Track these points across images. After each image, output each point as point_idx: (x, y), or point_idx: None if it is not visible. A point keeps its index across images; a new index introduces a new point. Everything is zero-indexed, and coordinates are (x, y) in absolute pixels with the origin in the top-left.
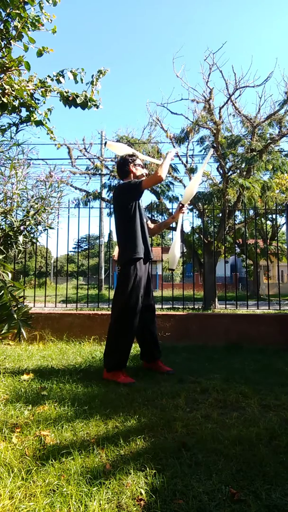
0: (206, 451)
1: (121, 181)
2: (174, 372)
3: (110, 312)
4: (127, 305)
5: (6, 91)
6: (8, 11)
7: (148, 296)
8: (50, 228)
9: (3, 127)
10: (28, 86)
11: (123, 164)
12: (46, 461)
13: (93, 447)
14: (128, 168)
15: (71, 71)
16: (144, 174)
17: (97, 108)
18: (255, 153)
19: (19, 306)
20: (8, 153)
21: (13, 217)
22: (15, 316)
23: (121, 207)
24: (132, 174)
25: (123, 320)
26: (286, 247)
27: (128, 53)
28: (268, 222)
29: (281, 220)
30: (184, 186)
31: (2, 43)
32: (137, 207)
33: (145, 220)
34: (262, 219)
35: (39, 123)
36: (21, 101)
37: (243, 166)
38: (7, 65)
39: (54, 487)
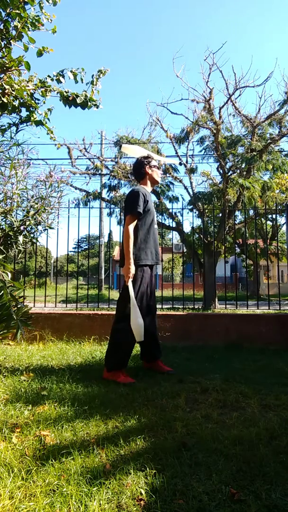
0: (206, 451)
1: (138, 184)
2: (174, 372)
3: (110, 312)
4: (125, 306)
5: (6, 91)
6: (8, 11)
7: (150, 297)
8: (50, 228)
9: (3, 127)
10: (28, 86)
11: (139, 167)
12: (46, 461)
13: (93, 447)
14: (144, 170)
15: (71, 71)
16: (160, 174)
17: (97, 108)
18: (255, 153)
19: (18, 306)
20: (8, 153)
21: (13, 217)
22: (14, 316)
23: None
24: (148, 176)
25: (126, 322)
26: (286, 247)
27: (128, 53)
28: (268, 222)
29: (281, 220)
30: (185, 187)
31: (2, 43)
32: (146, 212)
33: (155, 226)
34: (262, 219)
35: (39, 123)
36: (21, 101)
37: (243, 166)
38: (7, 65)
39: (54, 487)
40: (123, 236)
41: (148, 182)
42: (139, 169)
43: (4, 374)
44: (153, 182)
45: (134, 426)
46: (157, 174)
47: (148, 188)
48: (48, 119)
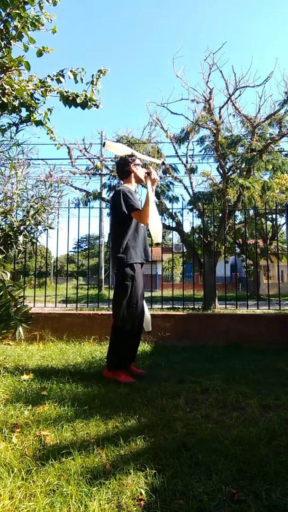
0: (206, 451)
1: (121, 182)
2: (146, 374)
3: (110, 312)
4: (129, 307)
5: (6, 91)
6: (8, 11)
7: (143, 298)
8: (50, 228)
9: (3, 127)
10: (28, 86)
11: (124, 165)
12: (46, 461)
13: (93, 447)
14: (129, 168)
15: (71, 71)
16: (145, 174)
17: (97, 107)
18: (255, 153)
19: (18, 306)
20: (8, 153)
21: (13, 217)
22: (14, 316)
23: (117, 208)
24: (132, 174)
25: (126, 322)
26: (286, 247)
27: (128, 53)
28: (268, 222)
29: (281, 220)
30: (185, 187)
31: (2, 43)
32: None
33: (142, 224)
34: (262, 219)
35: (39, 123)
36: (21, 101)
37: (243, 166)
38: (7, 65)
39: (54, 487)
40: (147, 214)
41: (133, 180)
42: (124, 167)
43: (4, 374)
44: (138, 181)
45: (134, 426)
46: (141, 173)
47: (132, 186)
48: (48, 119)
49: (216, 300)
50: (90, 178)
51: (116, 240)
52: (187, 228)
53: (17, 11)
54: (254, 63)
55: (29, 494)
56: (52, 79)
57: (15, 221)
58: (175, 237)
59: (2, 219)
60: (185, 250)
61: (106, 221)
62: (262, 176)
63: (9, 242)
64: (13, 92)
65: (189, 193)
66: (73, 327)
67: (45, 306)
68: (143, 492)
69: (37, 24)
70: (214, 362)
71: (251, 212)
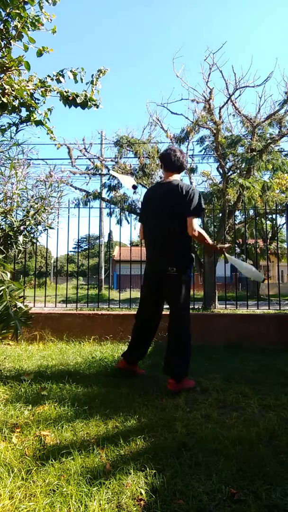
0: (206, 451)
1: (171, 175)
2: (146, 373)
3: (110, 312)
4: (189, 307)
5: (6, 91)
6: (8, 11)
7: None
8: (50, 228)
9: (3, 127)
10: (28, 86)
11: (183, 158)
12: (46, 461)
13: (93, 447)
14: (185, 164)
15: (71, 71)
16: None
17: (97, 107)
18: (255, 153)
19: (18, 306)
20: (8, 153)
21: (13, 217)
22: (14, 316)
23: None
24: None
25: (189, 323)
26: (286, 246)
27: (128, 53)
28: (268, 222)
29: (281, 220)
30: None
31: (2, 43)
32: None
33: None
34: (262, 219)
35: (39, 123)
36: (21, 101)
37: (243, 166)
38: (7, 65)
39: (54, 487)
40: (198, 237)
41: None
42: (183, 160)
43: (4, 374)
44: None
45: (134, 426)
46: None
47: None
48: (48, 119)
49: (216, 300)
50: (90, 178)
51: (182, 240)
52: None
53: (17, 11)
54: (254, 63)
55: (29, 494)
56: (52, 79)
57: (15, 221)
58: None
59: (2, 219)
60: None
61: (106, 221)
62: (262, 176)
63: (9, 242)
64: (13, 92)
65: None
66: (73, 327)
67: (45, 306)
68: (143, 492)
69: (37, 24)
70: (214, 362)
71: (251, 212)
